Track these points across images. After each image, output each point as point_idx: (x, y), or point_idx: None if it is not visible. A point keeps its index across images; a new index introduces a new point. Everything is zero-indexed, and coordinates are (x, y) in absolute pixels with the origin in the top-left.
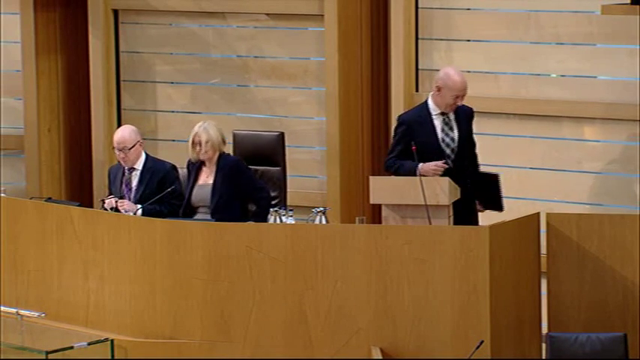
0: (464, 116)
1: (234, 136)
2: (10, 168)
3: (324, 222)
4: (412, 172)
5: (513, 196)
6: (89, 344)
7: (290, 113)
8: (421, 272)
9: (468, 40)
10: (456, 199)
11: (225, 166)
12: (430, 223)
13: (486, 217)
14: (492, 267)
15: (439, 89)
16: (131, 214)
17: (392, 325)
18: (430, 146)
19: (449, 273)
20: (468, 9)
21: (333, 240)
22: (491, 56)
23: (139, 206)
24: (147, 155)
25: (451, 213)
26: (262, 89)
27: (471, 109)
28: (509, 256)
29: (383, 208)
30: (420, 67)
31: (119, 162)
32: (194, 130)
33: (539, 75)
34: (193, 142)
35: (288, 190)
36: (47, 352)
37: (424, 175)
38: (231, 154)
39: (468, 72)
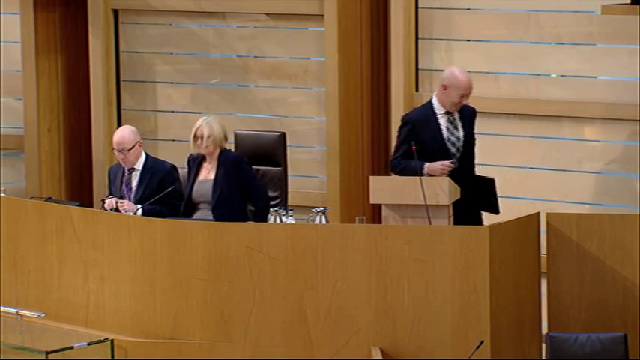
0: (467, 116)
1: (236, 136)
2: (10, 168)
3: (324, 222)
4: (418, 172)
5: (513, 196)
6: (89, 344)
7: (290, 113)
8: (421, 272)
9: (468, 40)
10: (456, 199)
11: (227, 162)
12: (430, 223)
13: (486, 218)
14: (492, 267)
15: (445, 88)
16: (131, 214)
17: (392, 325)
18: (436, 146)
19: (449, 273)
20: (468, 9)
21: (333, 240)
22: (492, 56)
23: (139, 206)
24: (147, 155)
25: (451, 213)
26: (262, 89)
27: (473, 108)
28: (509, 256)
29: (383, 208)
30: (420, 67)
31: (119, 162)
32: (197, 123)
33: (539, 75)
34: (195, 135)
35: (288, 190)
36: (47, 352)
37: (431, 175)
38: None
39: (468, 72)
